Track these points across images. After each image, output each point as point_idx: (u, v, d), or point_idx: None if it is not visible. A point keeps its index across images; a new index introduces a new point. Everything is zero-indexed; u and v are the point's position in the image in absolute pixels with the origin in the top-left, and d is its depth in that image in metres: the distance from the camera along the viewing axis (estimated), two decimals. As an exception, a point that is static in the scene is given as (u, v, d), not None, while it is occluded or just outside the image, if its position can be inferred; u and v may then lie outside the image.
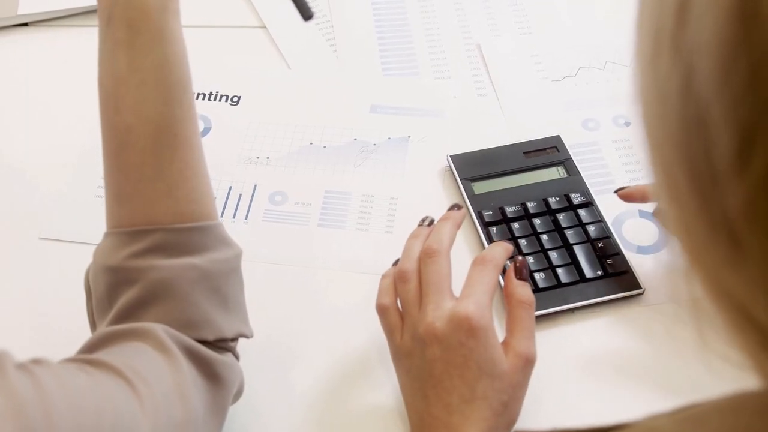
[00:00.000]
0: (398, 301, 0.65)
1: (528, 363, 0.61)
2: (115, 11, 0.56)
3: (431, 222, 0.69)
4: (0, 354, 0.44)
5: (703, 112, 0.27)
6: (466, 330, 0.59)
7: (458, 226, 0.67)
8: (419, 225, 0.69)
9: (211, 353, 0.56)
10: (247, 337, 0.60)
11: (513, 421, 0.61)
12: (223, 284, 0.58)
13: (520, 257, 0.65)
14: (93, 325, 0.61)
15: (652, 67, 0.30)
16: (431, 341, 0.60)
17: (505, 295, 0.64)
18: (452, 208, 0.69)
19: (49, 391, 0.43)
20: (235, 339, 0.59)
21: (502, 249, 0.65)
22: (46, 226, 0.80)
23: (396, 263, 0.68)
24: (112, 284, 0.56)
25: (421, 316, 0.61)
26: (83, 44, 0.99)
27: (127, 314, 0.55)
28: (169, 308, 0.55)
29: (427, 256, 0.64)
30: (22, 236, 0.80)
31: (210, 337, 0.56)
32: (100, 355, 0.51)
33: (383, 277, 0.67)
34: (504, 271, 0.66)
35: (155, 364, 0.52)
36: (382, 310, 0.65)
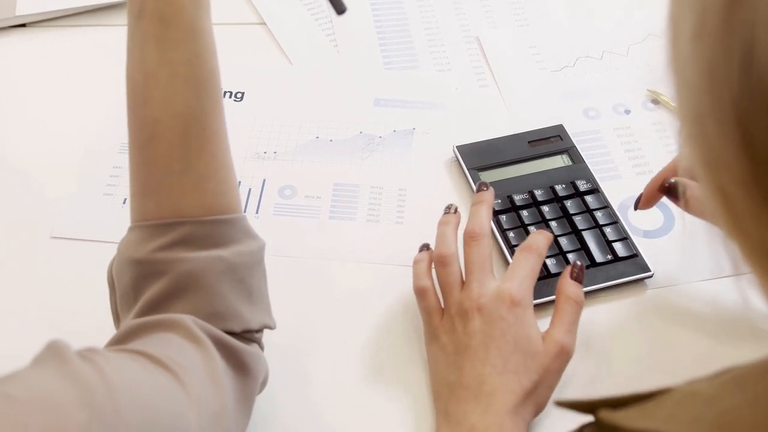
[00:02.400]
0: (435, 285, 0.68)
1: (563, 351, 0.63)
2: (147, 5, 0.56)
3: (456, 209, 0.73)
4: (57, 343, 0.45)
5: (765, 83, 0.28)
6: (507, 305, 0.63)
7: (492, 207, 0.71)
8: (446, 213, 0.72)
9: (239, 344, 0.57)
10: (271, 328, 0.61)
11: (541, 407, 0.63)
12: (248, 276, 0.59)
13: (580, 263, 0.68)
14: (116, 319, 0.61)
15: (696, 44, 0.31)
16: (474, 314, 0.64)
17: (557, 291, 0.67)
18: (480, 188, 0.73)
19: (112, 378, 0.44)
20: (260, 330, 0.60)
21: (543, 237, 0.69)
22: (57, 225, 0.80)
23: (423, 248, 0.72)
24: (138, 277, 0.57)
25: (466, 293, 0.65)
26: (82, 44, 1.00)
27: (154, 306, 0.56)
28: (197, 300, 0.56)
29: (471, 239, 0.68)
30: (34, 235, 0.80)
31: (237, 328, 0.57)
32: (137, 346, 0.51)
33: (416, 261, 0.70)
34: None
35: (188, 354, 0.53)
36: (421, 292, 0.68)
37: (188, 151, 0.57)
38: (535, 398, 0.62)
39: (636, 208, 0.76)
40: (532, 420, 0.63)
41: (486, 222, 0.69)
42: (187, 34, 0.57)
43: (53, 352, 0.45)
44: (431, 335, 0.67)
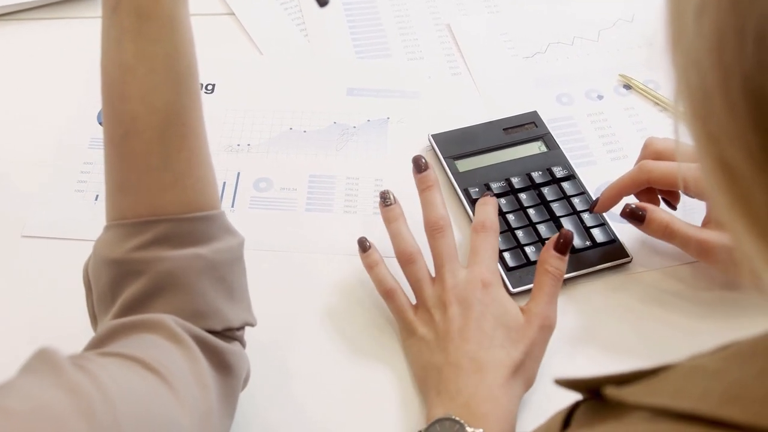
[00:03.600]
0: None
1: (544, 325, 0.65)
2: None
3: (394, 197, 0.72)
4: (48, 351, 0.44)
5: None
6: (480, 287, 0.65)
7: (440, 187, 0.71)
8: (385, 205, 0.71)
9: (221, 343, 0.56)
10: (252, 325, 0.60)
11: (530, 381, 0.63)
12: (228, 273, 0.58)
13: (567, 230, 0.67)
14: (94, 320, 0.60)
15: (703, 19, 0.31)
16: (451, 303, 0.65)
17: (538, 262, 0.67)
18: (417, 164, 0.72)
19: (108, 388, 0.43)
20: (241, 328, 0.59)
21: (491, 208, 0.70)
22: (28, 224, 0.79)
23: (365, 247, 0.71)
24: (115, 277, 0.55)
25: (441, 285, 0.66)
26: (51, 38, 0.98)
27: (133, 307, 0.55)
28: (177, 299, 0.55)
29: (435, 231, 0.69)
30: (4, 235, 0.78)
31: (218, 326, 0.56)
32: (122, 348, 0.50)
33: (371, 267, 0.70)
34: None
35: (174, 357, 0.52)
36: (389, 294, 0.68)
37: (167, 148, 0.56)
38: (524, 372, 0.63)
39: (591, 210, 0.76)
40: (522, 395, 0.63)
41: (444, 210, 0.70)
42: (165, 28, 0.55)
43: (46, 361, 0.44)
44: (407, 331, 0.67)
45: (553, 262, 0.66)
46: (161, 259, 0.55)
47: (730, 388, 0.34)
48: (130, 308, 0.55)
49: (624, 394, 0.38)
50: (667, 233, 0.69)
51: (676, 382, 0.37)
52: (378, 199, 0.73)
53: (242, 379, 0.59)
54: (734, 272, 0.69)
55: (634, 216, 0.70)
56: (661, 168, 0.71)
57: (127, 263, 0.55)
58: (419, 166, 0.71)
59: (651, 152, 0.74)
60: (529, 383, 0.64)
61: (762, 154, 0.29)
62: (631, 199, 0.74)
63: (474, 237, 0.69)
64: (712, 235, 0.68)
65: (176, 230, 0.55)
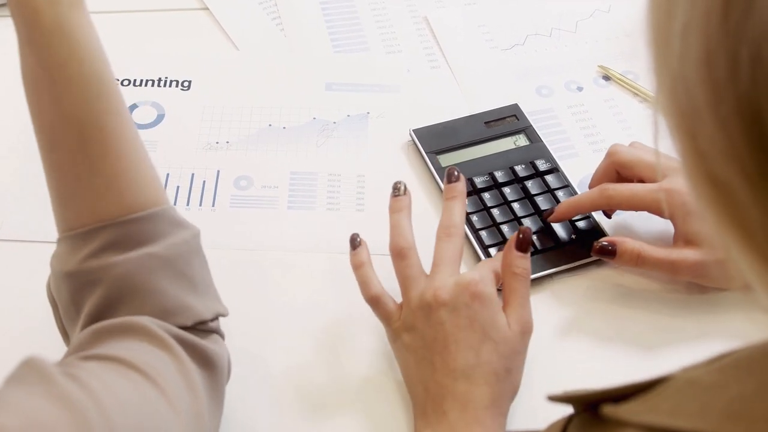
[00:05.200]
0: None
1: (525, 331, 0.63)
2: (11, 7, 0.53)
3: (405, 188, 0.69)
4: (36, 360, 0.43)
5: None
6: (471, 293, 0.62)
7: (465, 199, 0.69)
8: (395, 195, 0.69)
9: (200, 340, 0.55)
10: (223, 315, 0.59)
11: (516, 389, 0.62)
12: (187, 267, 0.57)
13: (525, 226, 0.66)
14: (65, 336, 0.59)
15: (691, 37, 0.30)
16: (438, 305, 0.62)
17: (502, 265, 0.65)
18: (450, 175, 0.69)
19: (101, 397, 0.42)
20: (214, 319, 0.58)
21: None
22: (2, 227, 0.77)
23: (355, 243, 0.68)
24: (74, 290, 0.55)
25: (428, 283, 0.63)
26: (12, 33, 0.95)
27: (98, 316, 0.54)
28: (139, 302, 0.54)
29: (446, 235, 0.66)
30: (-22, 239, 0.76)
31: (188, 322, 0.55)
32: (107, 350, 0.49)
33: (357, 267, 0.67)
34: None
35: (160, 359, 0.51)
36: (374, 301, 0.65)
37: (89, 155, 0.54)
38: (510, 383, 0.62)
39: (545, 218, 0.75)
40: (509, 406, 0.63)
41: (461, 220, 0.67)
42: (53, 36, 0.53)
43: (34, 371, 0.43)
44: (394, 335, 0.65)
45: (518, 263, 0.64)
46: (114, 265, 0.53)
47: (731, 405, 0.33)
48: (95, 318, 0.54)
49: (621, 412, 0.37)
50: (639, 261, 0.69)
51: (673, 397, 0.36)
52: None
53: (225, 373, 0.58)
54: (709, 285, 0.69)
55: (604, 252, 0.70)
56: (622, 193, 0.71)
57: (81, 274, 0.54)
58: (451, 176, 0.69)
59: (615, 163, 0.74)
60: (515, 392, 0.62)
61: (757, 171, 0.28)
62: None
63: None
64: (681, 254, 0.69)
65: (122, 233, 0.54)
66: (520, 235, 0.64)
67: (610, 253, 0.69)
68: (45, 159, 0.56)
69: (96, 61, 0.55)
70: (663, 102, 0.32)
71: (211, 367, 0.55)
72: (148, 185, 0.57)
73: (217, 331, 0.58)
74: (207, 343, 0.56)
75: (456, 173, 0.70)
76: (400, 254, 0.65)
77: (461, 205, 0.68)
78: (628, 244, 0.69)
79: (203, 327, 0.57)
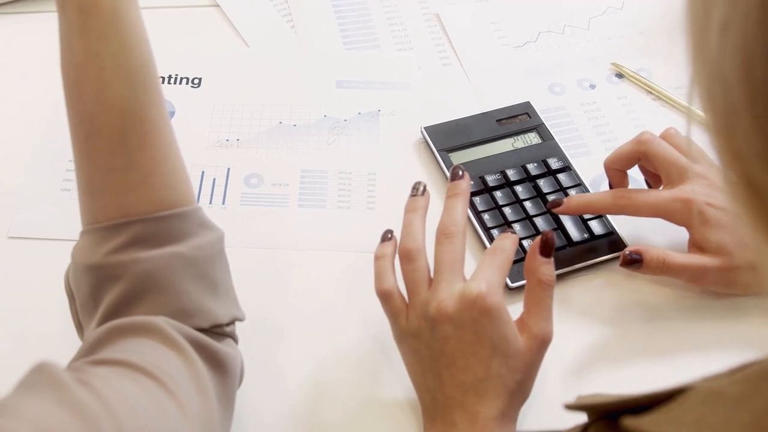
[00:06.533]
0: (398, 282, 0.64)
1: (544, 343, 0.60)
2: None
3: (425, 189, 0.67)
4: (48, 366, 0.42)
5: None
6: (478, 308, 0.58)
7: (468, 198, 0.66)
8: (413, 195, 0.67)
9: (214, 342, 0.55)
10: (240, 320, 0.59)
11: (526, 396, 0.61)
12: (210, 269, 0.56)
13: (549, 230, 0.63)
14: (80, 329, 0.58)
15: (730, 35, 0.29)
16: (442, 320, 0.59)
17: (526, 270, 0.63)
18: (454, 173, 0.67)
19: (113, 405, 0.41)
20: (231, 323, 0.58)
21: (511, 242, 0.64)
22: (14, 224, 0.77)
23: (386, 237, 0.66)
24: (95, 283, 0.54)
25: (431, 294, 0.60)
26: (31, 31, 0.95)
27: (116, 312, 0.54)
28: (159, 300, 0.54)
29: (444, 237, 0.63)
30: (-11, 236, 0.76)
31: (205, 324, 0.55)
32: (118, 354, 0.49)
33: (377, 258, 0.65)
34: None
35: (172, 361, 0.50)
36: (384, 296, 0.63)
37: (128, 146, 0.54)
38: (521, 394, 0.60)
39: (550, 208, 0.74)
40: (519, 412, 0.61)
41: (462, 218, 0.64)
42: (110, 25, 0.54)
43: (46, 377, 0.42)
44: (400, 336, 0.63)
45: (543, 269, 0.61)
46: (138, 261, 0.53)
47: (759, 420, 0.32)
48: (113, 313, 0.54)
49: (642, 424, 0.36)
50: (664, 269, 0.68)
51: (695, 409, 0.35)
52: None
53: (237, 377, 0.58)
54: (732, 292, 0.68)
55: (631, 263, 0.68)
56: (637, 203, 0.70)
57: (104, 268, 0.54)
58: (455, 174, 0.67)
59: (642, 152, 0.72)
60: (525, 398, 0.61)
61: None
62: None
63: (483, 257, 0.63)
64: (704, 260, 0.68)
65: (150, 230, 0.54)
66: (544, 241, 0.62)
67: (637, 262, 0.68)
68: (80, 149, 0.56)
69: (145, 53, 0.56)
70: (700, 98, 0.32)
71: (224, 371, 0.55)
72: (179, 183, 0.57)
73: (232, 336, 0.58)
74: (221, 345, 0.55)
75: (461, 172, 0.67)
76: (408, 256, 0.63)
77: (463, 203, 0.65)
78: (652, 252, 0.68)
79: (219, 330, 0.56)
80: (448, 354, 0.59)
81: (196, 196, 0.78)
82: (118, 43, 0.54)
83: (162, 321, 0.52)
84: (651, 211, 0.70)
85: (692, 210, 0.67)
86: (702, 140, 0.33)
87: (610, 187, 0.76)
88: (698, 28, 0.31)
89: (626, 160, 0.74)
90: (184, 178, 0.57)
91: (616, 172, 0.75)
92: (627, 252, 0.68)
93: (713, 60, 0.29)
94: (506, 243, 0.64)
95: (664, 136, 0.73)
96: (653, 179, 0.75)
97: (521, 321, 0.61)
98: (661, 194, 0.70)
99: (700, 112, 0.33)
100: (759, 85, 0.28)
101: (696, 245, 0.69)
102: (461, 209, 0.65)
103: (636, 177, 0.77)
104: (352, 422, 0.66)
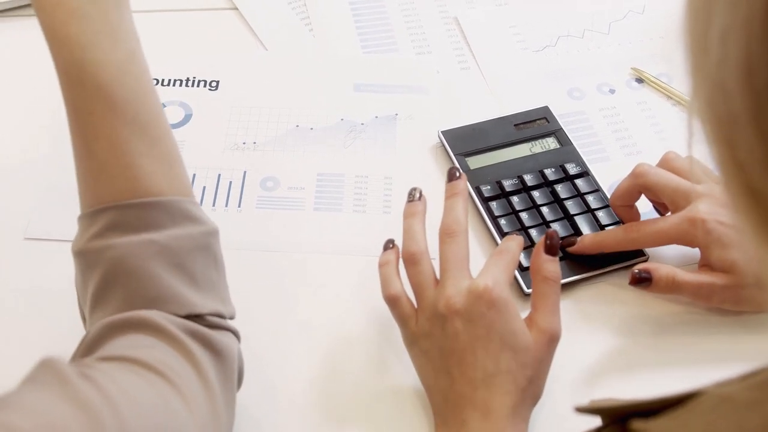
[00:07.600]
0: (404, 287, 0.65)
1: (552, 339, 0.61)
2: None
3: (420, 194, 0.69)
4: (52, 361, 0.43)
5: None
6: (486, 301, 0.60)
7: (467, 197, 0.68)
8: (409, 200, 0.68)
9: (208, 330, 0.54)
10: (224, 316, 0.57)
11: (538, 396, 0.61)
12: (189, 261, 0.56)
13: (552, 229, 0.64)
14: (83, 319, 0.59)
15: (731, 43, 0.29)
16: (452, 316, 0.60)
17: (531, 270, 0.64)
18: (451, 174, 0.68)
19: (117, 400, 0.41)
20: (214, 315, 0.56)
21: (516, 243, 0.66)
22: (30, 226, 0.77)
23: (388, 246, 0.68)
24: (82, 270, 0.56)
25: (439, 292, 0.62)
26: (29, 36, 0.96)
27: (97, 298, 0.54)
28: (132, 286, 0.53)
29: (447, 236, 0.64)
30: (6, 237, 0.76)
31: (182, 311, 0.54)
32: (121, 350, 0.49)
33: (381, 265, 0.66)
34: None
35: (173, 357, 0.50)
36: (392, 301, 0.64)
37: (86, 137, 0.56)
38: (532, 391, 0.60)
39: (565, 247, 0.73)
40: (531, 413, 0.62)
41: (463, 217, 0.65)
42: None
43: (51, 372, 0.43)
44: (410, 339, 0.64)
45: (548, 267, 0.63)
46: (112, 246, 0.54)
47: (767, 424, 0.32)
48: (96, 300, 0.54)
49: (652, 428, 0.36)
50: (674, 287, 0.68)
51: (706, 414, 0.35)
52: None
53: (236, 363, 0.57)
54: (740, 309, 0.68)
55: (640, 281, 0.68)
56: (647, 234, 0.70)
57: (86, 254, 0.55)
58: (452, 175, 0.68)
59: (641, 185, 0.72)
60: (536, 399, 0.61)
61: None
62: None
63: (489, 258, 0.64)
64: (713, 278, 0.67)
65: (123, 216, 0.54)
66: (548, 240, 0.63)
67: (646, 281, 0.67)
68: (76, 140, 0.57)
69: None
70: (700, 109, 0.31)
71: (221, 356, 0.55)
72: (166, 174, 0.56)
73: (231, 329, 0.58)
74: (215, 333, 0.55)
75: (457, 173, 0.68)
76: (412, 260, 0.64)
77: (463, 202, 0.66)
78: (662, 270, 0.67)
79: (214, 322, 0.56)
80: (458, 351, 0.60)
81: (213, 199, 0.79)
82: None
83: (156, 314, 0.52)
84: (662, 239, 0.70)
85: (701, 229, 0.66)
86: (702, 153, 0.33)
87: (622, 223, 0.75)
88: (698, 36, 0.30)
89: (628, 195, 0.74)
90: (169, 170, 0.57)
91: (623, 208, 0.75)
92: (636, 270, 0.68)
93: (714, 68, 0.29)
94: (512, 244, 0.65)
95: (664, 161, 0.73)
96: (662, 206, 0.74)
97: (529, 318, 0.62)
98: (668, 220, 0.69)
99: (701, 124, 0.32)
100: (761, 94, 0.27)
101: (706, 264, 0.68)
102: (462, 208, 0.66)
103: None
104: (360, 425, 0.65)
